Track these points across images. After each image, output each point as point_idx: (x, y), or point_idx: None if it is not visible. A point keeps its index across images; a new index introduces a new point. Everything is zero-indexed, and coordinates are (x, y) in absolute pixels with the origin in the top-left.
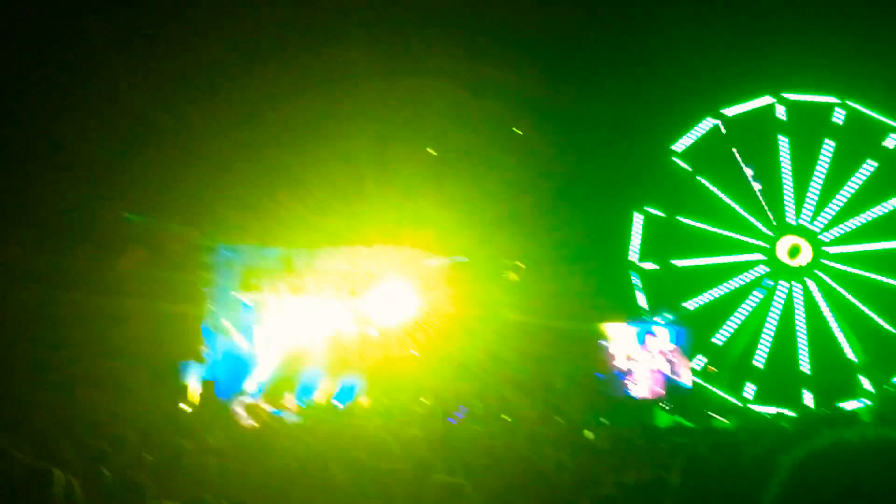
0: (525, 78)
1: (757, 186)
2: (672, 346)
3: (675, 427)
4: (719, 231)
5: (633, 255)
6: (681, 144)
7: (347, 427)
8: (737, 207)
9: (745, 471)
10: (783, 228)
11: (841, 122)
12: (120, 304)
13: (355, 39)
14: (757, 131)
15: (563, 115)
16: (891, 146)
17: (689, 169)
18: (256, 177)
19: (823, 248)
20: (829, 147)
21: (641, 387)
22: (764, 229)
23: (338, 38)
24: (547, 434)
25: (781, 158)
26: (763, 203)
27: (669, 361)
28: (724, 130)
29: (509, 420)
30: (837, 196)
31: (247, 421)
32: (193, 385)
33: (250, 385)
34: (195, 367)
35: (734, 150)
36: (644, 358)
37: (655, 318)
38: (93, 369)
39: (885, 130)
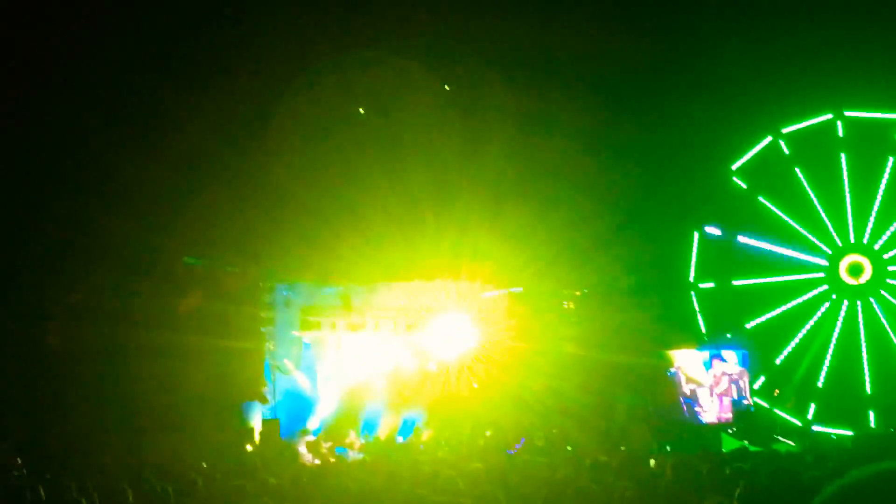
0: (582, 105)
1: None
2: (738, 369)
3: (740, 452)
4: (779, 250)
5: (692, 276)
6: (740, 163)
7: (408, 463)
8: (797, 226)
9: (804, 495)
10: (844, 247)
11: None
12: (183, 343)
13: (414, 75)
14: (817, 149)
15: (623, 141)
16: None
17: (748, 187)
18: (314, 214)
19: (886, 267)
20: (890, 164)
21: (708, 412)
22: (825, 248)
23: (397, 75)
24: (609, 464)
25: (842, 176)
26: (824, 221)
27: (735, 384)
28: (784, 149)
29: (570, 450)
30: None
31: (310, 459)
32: (256, 424)
33: (313, 423)
34: (258, 406)
35: (794, 167)
36: (710, 382)
37: (719, 342)
38: (157, 409)
39: None
